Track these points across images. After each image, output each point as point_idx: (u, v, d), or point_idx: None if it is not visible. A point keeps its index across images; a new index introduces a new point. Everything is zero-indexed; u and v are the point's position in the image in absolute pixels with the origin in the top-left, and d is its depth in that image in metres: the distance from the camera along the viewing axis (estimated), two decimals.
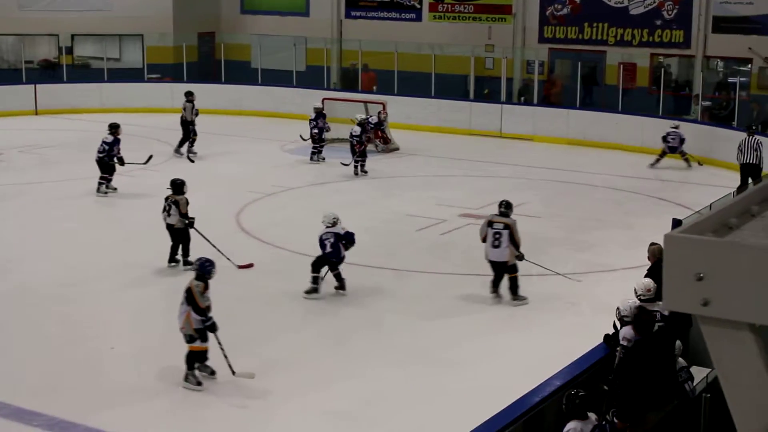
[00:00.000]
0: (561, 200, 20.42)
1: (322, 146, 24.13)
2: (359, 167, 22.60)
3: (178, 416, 10.51)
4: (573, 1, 29.35)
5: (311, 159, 24.06)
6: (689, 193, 21.13)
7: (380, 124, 25.66)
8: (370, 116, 26.08)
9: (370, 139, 23.14)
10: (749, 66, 27.08)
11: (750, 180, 20.54)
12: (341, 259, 14.12)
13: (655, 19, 28.17)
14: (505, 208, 14.15)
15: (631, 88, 28.10)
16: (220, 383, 11.27)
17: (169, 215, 15.22)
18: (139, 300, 14.31)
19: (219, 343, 11.16)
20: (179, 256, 15.35)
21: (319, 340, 12.32)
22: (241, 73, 33.10)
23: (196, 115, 24.43)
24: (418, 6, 31.95)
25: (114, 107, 30.08)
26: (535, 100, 29.00)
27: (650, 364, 9.07)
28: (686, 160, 23.86)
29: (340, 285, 14.20)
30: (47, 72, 33.00)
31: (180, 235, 15.27)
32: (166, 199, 15.31)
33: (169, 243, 15.32)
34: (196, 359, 11.21)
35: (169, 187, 15.42)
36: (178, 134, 26.70)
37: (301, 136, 24.55)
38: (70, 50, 33.59)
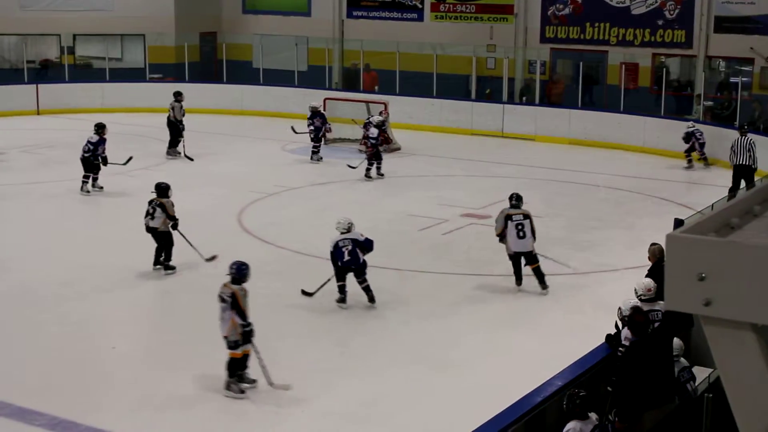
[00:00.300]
0: (562, 200, 20.42)
1: (319, 146, 24.09)
2: (375, 170, 22.18)
3: (179, 415, 10.50)
4: (575, 1, 29.33)
5: (311, 159, 24.05)
6: (691, 193, 21.15)
7: (382, 124, 25.62)
8: (372, 116, 26.08)
9: (387, 140, 22.80)
10: (751, 66, 27.05)
11: (743, 182, 20.17)
12: (361, 267, 13.53)
13: (657, 19, 28.16)
14: (517, 200, 14.57)
15: (632, 88, 28.09)
16: (218, 383, 11.26)
17: (152, 219, 15.05)
18: (140, 299, 14.32)
19: (257, 352, 11.01)
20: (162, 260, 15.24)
21: (321, 340, 12.32)
22: (243, 73, 33.10)
23: (183, 115, 24.34)
24: (420, 6, 31.93)
25: (115, 107, 30.12)
26: (537, 100, 29.00)
27: (648, 364, 9.06)
28: (704, 159, 23.86)
29: (369, 297, 13.62)
30: (49, 72, 32.99)
31: (163, 238, 15.12)
32: (150, 202, 15.17)
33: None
34: (238, 367, 11.01)
35: (154, 190, 15.29)
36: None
37: (292, 128, 24.49)
38: (71, 50, 33.60)
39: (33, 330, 12.90)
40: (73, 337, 12.68)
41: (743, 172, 20.44)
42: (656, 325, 9.98)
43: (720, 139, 23.91)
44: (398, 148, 25.72)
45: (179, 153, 24.26)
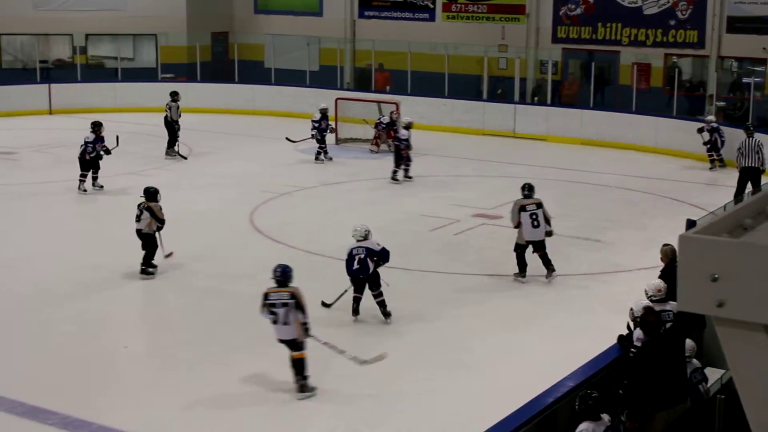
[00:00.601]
0: (574, 200, 20.39)
1: (324, 146, 24.06)
2: (404, 172, 21.99)
3: (192, 415, 10.52)
4: (586, 1, 29.29)
5: (316, 159, 24.02)
6: (703, 193, 21.08)
7: (393, 124, 25.65)
8: (383, 116, 26.10)
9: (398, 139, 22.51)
10: (764, 66, 26.98)
11: (750, 185, 19.62)
12: (372, 278, 13.13)
13: (669, 19, 28.10)
14: (529, 190, 14.95)
15: (645, 89, 28.03)
16: (234, 383, 11.29)
17: (138, 221, 15.08)
18: (153, 299, 14.34)
19: (320, 341, 11.14)
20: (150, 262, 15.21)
21: (332, 341, 12.29)
22: (255, 72, 33.13)
23: (179, 116, 24.37)
24: (432, 6, 31.93)
25: (127, 107, 30.19)
26: (549, 100, 28.96)
27: (660, 364, 9.05)
28: (720, 159, 23.72)
29: (383, 312, 13.22)
30: (61, 72, 33.08)
31: (147, 240, 15.09)
32: (139, 206, 15.19)
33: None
34: (304, 366, 11.02)
35: (143, 194, 15.33)
36: (192, 134, 26.79)
37: (287, 138, 24.50)
38: (84, 50, 33.70)
39: (45, 329, 12.94)
40: (86, 337, 12.71)
41: (751, 174, 19.91)
42: (667, 325, 9.97)
43: (732, 139, 23.83)
44: (411, 149, 25.67)
45: (175, 154, 24.26)
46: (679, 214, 17.43)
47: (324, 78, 32.17)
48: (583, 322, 13.35)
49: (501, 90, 30.27)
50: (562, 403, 8.63)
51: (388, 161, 24.27)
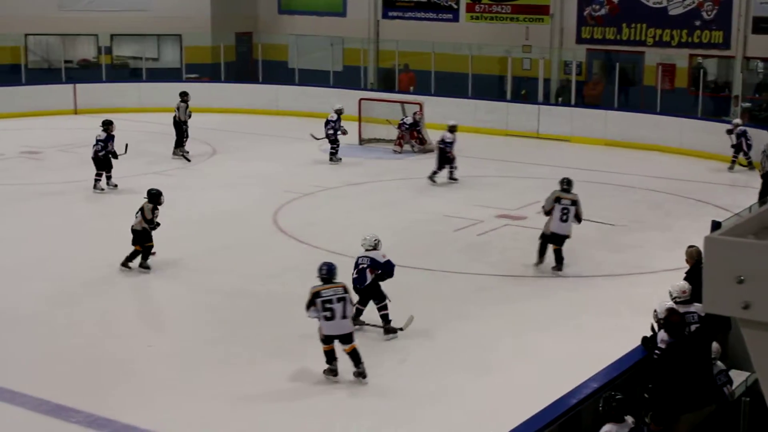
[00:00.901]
0: (598, 201, 20.30)
1: (337, 147, 24.05)
2: (450, 174, 21.79)
3: (215, 414, 10.55)
4: (611, 2, 29.20)
5: (331, 160, 24.00)
6: (728, 195, 20.95)
7: (416, 125, 25.67)
8: (406, 117, 26.10)
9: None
10: None
11: None
12: (369, 290, 12.72)
13: (694, 20, 27.96)
14: (567, 185, 15.40)
15: (669, 89, 27.90)
16: (257, 382, 11.32)
17: (135, 218, 15.40)
18: (176, 298, 14.38)
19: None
20: (139, 258, 15.42)
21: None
22: (278, 73, 33.21)
23: (189, 116, 24.39)
24: (455, 6, 31.90)
25: (152, 107, 30.29)
26: (573, 101, 28.87)
27: (685, 366, 9.00)
28: (749, 160, 23.54)
29: (385, 328, 12.71)
30: (86, 72, 33.24)
31: (135, 236, 15.31)
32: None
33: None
34: (359, 354, 11.33)
35: (145, 196, 15.65)
36: (216, 134, 26.96)
37: (312, 135, 24.48)
38: (109, 50, 33.87)
39: (69, 328, 13.01)
40: (109, 336, 12.77)
41: None
42: (692, 327, 9.92)
43: (758, 141, 23.69)
44: (433, 149, 25.65)
45: (187, 152, 24.34)
46: (704, 215, 17.35)
47: (347, 78, 32.20)
48: (606, 323, 13.30)
49: (525, 90, 30.21)
50: (586, 404, 8.60)
51: (411, 161, 24.32)
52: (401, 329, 12.10)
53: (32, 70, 32.80)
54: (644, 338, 9.93)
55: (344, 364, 11.37)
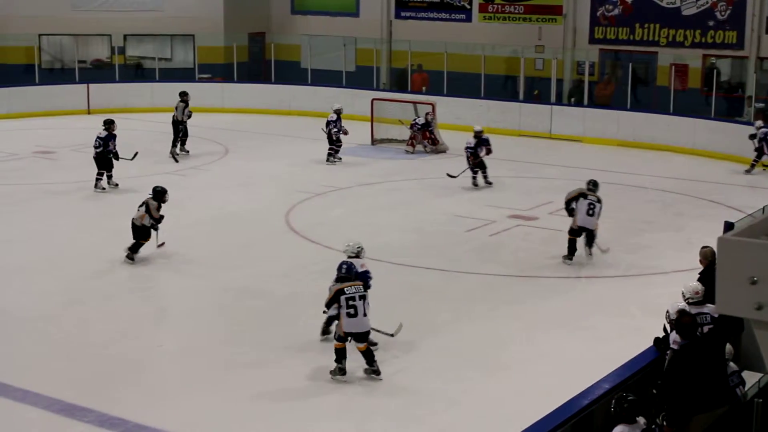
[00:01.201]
0: (610, 202, 20.22)
1: (339, 147, 24.06)
2: (482, 178, 21.43)
3: (226, 414, 10.56)
4: (624, 2, 29.14)
5: (327, 160, 23.98)
6: (741, 195, 20.88)
7: (428, 125, 25.65)
8: (418, 117, 26.09)
9: (490, 150, 21.66)
10: None
11: None
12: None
13: (708, 20, 27.89)
14: (593, 186, 15.97)
15: (682, 90, 27.84)
16: (269, 382, 11.32)
17: (137, 211, 15.76)
18: (187, 298, 14.40)
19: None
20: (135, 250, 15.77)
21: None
22: (291, 73, 33.24)
23: (189, 116, 24.38)
24: (468, 6, 31.88)
25: (165, 107, 30.21)
26: (585, 101, 28.82)
27: (698, 367, 8.98)
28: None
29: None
30: (100, 72, 33.32)
31: (135, 231, 15.65)
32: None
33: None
34: (373, 353, 11.41)
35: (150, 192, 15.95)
36: (228, 134, 27.01)
37: (323, 129, 24.44)
38: (122, 50, 33.94)
39: (80, 328, 13.04)
40: (121, 335, 12.78)
41: None
42: (705, 328, 9.88)
43: None
44: (445, 150, 25.68)
45: (186, 151, 24.42)
46: (717, 216, 17.30)
47: (360, 79, 32.21)
48: (619, 324, 13.28)
49: (537, 91, 30.16)
50: (598, 405, 8.59)
51: (423, 162, 24.32)
52: (392, 335, 11.94)
53: (46, 70, 32.93)
54: (656, 339, 9.90)
55: (351, 363, 11.36)
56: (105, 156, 20.52)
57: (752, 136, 23.31)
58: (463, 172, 21.33)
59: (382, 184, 21.96)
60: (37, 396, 10.83)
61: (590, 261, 15.89)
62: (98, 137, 20.60)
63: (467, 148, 21.35)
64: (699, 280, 10.74)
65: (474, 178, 21.37)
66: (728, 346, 9.49)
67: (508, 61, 30.86)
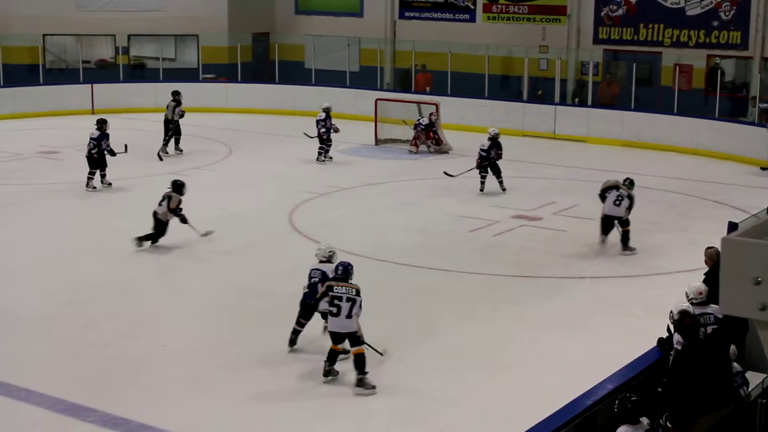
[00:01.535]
0: None
1: (329, 146, 24.08)
2: (498, 183, 20.79)
3: (230, 414, 10.57)
4: (628, 2, 29.11)
5: (317, 159, 23.99)
6: (745, 196, 20.86)
7: (432, 126, 25.64)
8: (422, 117, 26.08)
9: (500, 155, 21.30)
10: None
11: None
12: (317, 305, 11.77)
13: (712, 20, 27.85)
14: (630, 184, 16.86)
15: (686, 90, 27.80)
16: (272, 382, 11.33)
17: (159, 206, 16.35)
18: (191, 298, 14.40)
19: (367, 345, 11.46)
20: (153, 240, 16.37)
21: (368, 341, 12.29)
22: (295, 73, 33.23)
23: (181, 116, 24.46)
24: (472, 7, 31.87)
25: None
26: (589, 102, 28.79)
27: (702, 368, 8.96)
28: None
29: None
30: (104, 72, 33.35)
31: (158, 224, 16.28)
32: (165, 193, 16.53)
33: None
34: (365, 362, 11.19)
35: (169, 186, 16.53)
36: (232, 134, 27.01)
37: (305, 134, 24.52)
38: (126, 50, 33.96)
39: (84, 327, 13.04)
40: (124, 335, 12.79)
41: None
42: (708, 329, 9.87)
43: None
44: (449, 150, 25.67)
45: (180, 151, 24.54)
46: (721, 216, 17.27)
47: (364, 79, 32.19)
48: (622, 324, 13.26)
49: (541, 91, 30.13)
50: (601, 405, 8.59)
51: (427, 162, 24.30)
52: (381, 353, 11.80)
53: (50, 71, 32.96)
54: (660, 339, 9.90)
55: (350, 363, 11.35)
56: (99, 155, 20.57)
57: None
58: (466, 172, 21.24)
59: (386, 185, 21.96)
60: (41, 396, 10.83)
61: (632, 253, 16.41)
62: (91, 138, 20.66)
63: (480, 150, 20.84)
64: (705, 280, 10.72)
65: (482, 183, 20.83)
66: (732, 347, 9.48)
67: (512, 62, 30.84)
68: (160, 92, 31.36)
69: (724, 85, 27.53)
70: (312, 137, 24.23)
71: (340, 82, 31.95)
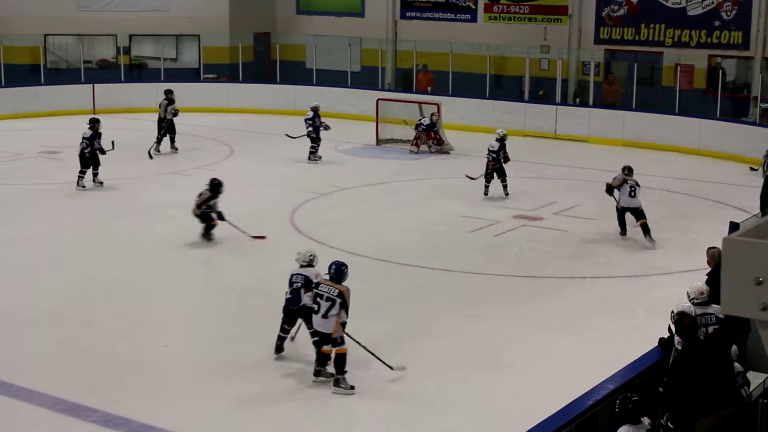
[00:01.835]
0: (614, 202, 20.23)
1: (318, 145, 24.08)
2: (502, 187, 20.52)
3: (231, 414, 10.57)
4: (629, 2, 29.11)
5: (309, 159, 24.00)
6: (746, 196, 20.83)
7: (433, 126, 25.64)
8: (423, 117, 26.08)
9: (507, 158, 21.11)
10: None
11: None
12: (303, 311, 11.76)
13: (714, 20, 27.85)
14: (629, 171, 17.29)
15: (688, 90, 27.80)
16: (273, 382, 11.32)
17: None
18: (191, 298, 14.41)
19: (358, 342, 11.34)
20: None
21: (369, 341, 12.31)
22: (296, 73, 33.25)
23: (175, 114, 24.54)
24: (474, 7, 31.88)
25: None
26: (591, 102, 28.79)
27: (704, 368, 8.95)
28: None
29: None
30: (105, 72, 33.36)
31: (201, 218, 16.82)
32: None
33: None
34: (345, 362, 11.09)
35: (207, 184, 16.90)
36: (233, 134, 27.04)
37: (287, 135, 24.52)
38: (127, 50, 33.98)
39: (85, 327, 13.03)
40: (126, 335, 12.78)
41: None
42: (709, 329, 9.86)
43: None
44: (450, 150, 25.67)
45: (176, 149, 24.63)
46: (722, 216, 17.29)
47: (365, 79, 32.20)
48: (623, 324, 13.26)
49: (543, 91, 30.14)
50: (603, 405, 8.58)
51: (428, 162, 24.32)
52: (391, 368, 11.65)
53: (51, 71, 32.97)
54: (661, 339, 9.89)
55: (350, 364, 11.35)
56: (92, 154, 20.67)
57: None
58: (485, 174, 20.78)
59: (387, 185, 21.96)
60: (42, 395, 10.83)
61: (653, 246, 16.80)
62: (84, 137, 20.74)
63: (490, 152, 20.57)
64: (707, 281, 10.71)
65: (486, 186, 20.56)
66: (733, 347, 9.47)
67: (514, 62, 30.83)
68: (161, 92, 31.30)
69: (726, 85, 27.51)
70: (294, 138, 24.25)
71: (341, 82, 31.96)
